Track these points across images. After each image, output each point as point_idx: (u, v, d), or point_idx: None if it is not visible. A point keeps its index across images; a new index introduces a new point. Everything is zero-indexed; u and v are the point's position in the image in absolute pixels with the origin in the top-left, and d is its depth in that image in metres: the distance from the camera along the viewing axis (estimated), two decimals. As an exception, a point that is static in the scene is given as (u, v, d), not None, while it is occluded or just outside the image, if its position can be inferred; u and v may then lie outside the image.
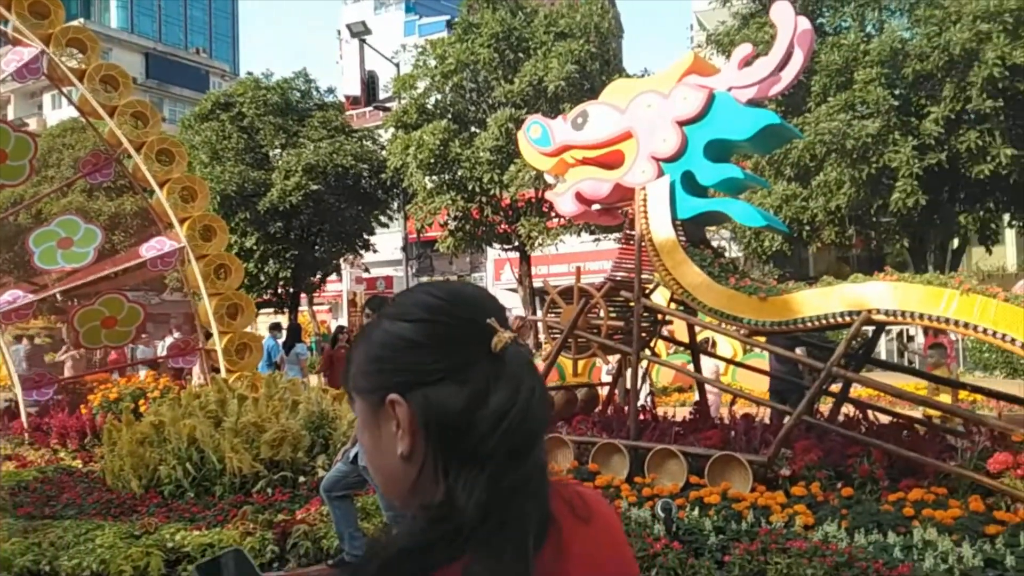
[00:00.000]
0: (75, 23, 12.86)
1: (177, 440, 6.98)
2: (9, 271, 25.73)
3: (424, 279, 34.74)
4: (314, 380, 8.03)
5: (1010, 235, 20.41)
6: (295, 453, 7.14)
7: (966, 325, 5.25)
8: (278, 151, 24.57)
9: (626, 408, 7.07)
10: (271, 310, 27.57)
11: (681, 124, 6.28)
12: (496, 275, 33.23)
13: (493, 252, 28.34)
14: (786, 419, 5.95)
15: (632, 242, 6.73)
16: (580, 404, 7.83)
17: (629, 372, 6.93)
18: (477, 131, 20.24)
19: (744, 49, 6.37)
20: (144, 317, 11.45)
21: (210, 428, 7.03)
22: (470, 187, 19.64)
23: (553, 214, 20.10)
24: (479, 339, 0.90)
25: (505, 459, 0.86)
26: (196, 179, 11.60)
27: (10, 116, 41.17)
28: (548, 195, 7.43)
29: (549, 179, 7.37)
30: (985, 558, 4.41)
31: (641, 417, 6.83)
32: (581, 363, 11.58)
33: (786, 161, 15.70)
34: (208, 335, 11.01)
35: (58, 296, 11.75)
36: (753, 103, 6.30)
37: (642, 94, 6.51)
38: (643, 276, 6.67)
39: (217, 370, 10.78)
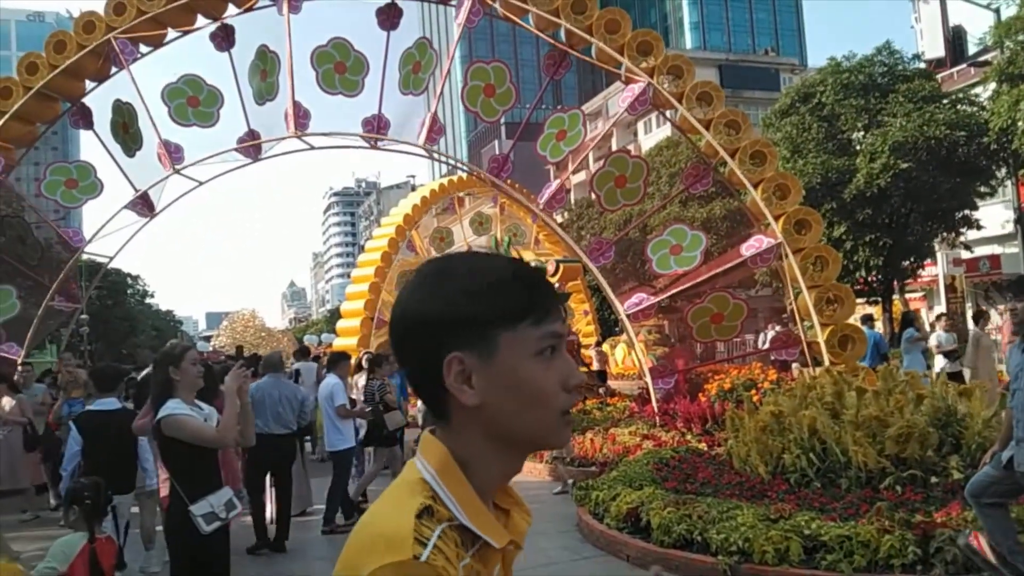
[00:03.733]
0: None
1: (798, 430, 7.16)
2: (625, 278, 30.07)
3: (1044, 255, 29.10)
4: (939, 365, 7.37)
5: None
6: (923, 451, 6.67)
7: None
8: (860, 134, 23.53)
9: None
10: (862, 300, 26.47)
11: None
12: None
13: None
14: None
15: None
16: None
17: None
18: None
19: None
20: (747, 313, 12.12)
21: (829, 420, 7.04)
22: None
23: None
24: None
25: None
26: (788, 175, 11.85)
27: (613, 147, 48.20)
28: None
29: None
30: None
31: None
32: None
33: None
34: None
35: (667, 298, 13.22)
36: None
37: None
38: None
39: (818, 362, 10.78)
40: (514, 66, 15.11)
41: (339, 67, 12.20)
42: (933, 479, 6.58)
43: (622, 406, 14.03)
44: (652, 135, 47.13)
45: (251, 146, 12.53)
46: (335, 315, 36.65)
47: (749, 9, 73.39)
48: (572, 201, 41.31)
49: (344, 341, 17.87)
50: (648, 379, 12.36)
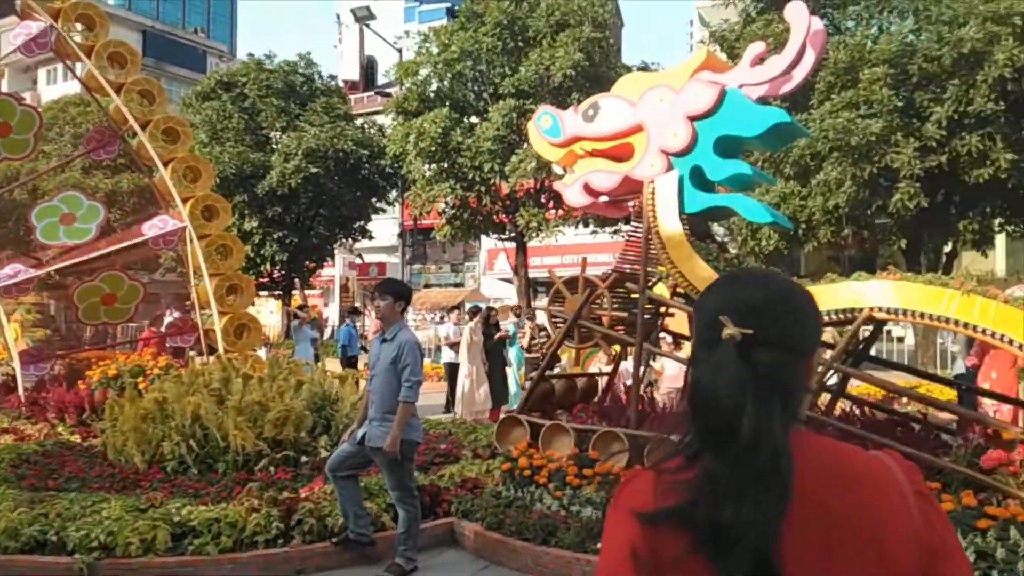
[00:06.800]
0: (79, -1, 12.81)
1: (181, 417, 7.04)
2: (2, 246, 25.62)
3: (417, 266, 34.78)
4: (332, 365, 8.13)
5: (1000, 240, 20.61)
6: (298, 433, 7.22)
7: (966, 325, 5.35)
8: (279, 133, 24.57)
9: (626, 397, 7.17)
10: (265, 292, 27.62)
11: (692, 119, 6.34)
12: (489, 264, 33.33)
13: (488, 241, 28.41)
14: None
15: (639, 235, 6.81)
16: (579, 393, 7.92)
17: (629, 362, 7.04)
18: (478, 120, 20.27)
19: (757, 47, 6.43)
20: (143, 295, 11.48)
21: (214, 406, 7.10)
22: (470, 176, 19.69)
23: (551, 205, 20.19)
24: None
25: None
26: (201, 159, 11.63)
27: (4, 89, 40.81)
28: (556, 186, 7.49)
29: (557, 170, 7.44)
30: (977, 551, 4.52)
31: (640, 407, 6.93)
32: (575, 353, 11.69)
33: (787, 159, 15.78)
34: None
35: (52, 272, 11.75)
36: (762, 101, 6.38)
37: (654, 88, 6.57)
38: (647, 269, 6.74)
39: (215, 350, 10.83)
40: None
41: None
42: (304, 458, 7.17)
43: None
44: (57, 86, 41.40)
45: None
46: None
47: (184, -18, 70.42)
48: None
49: None
50: (16, 364, 10.72)
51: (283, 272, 26.39)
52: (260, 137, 24.76)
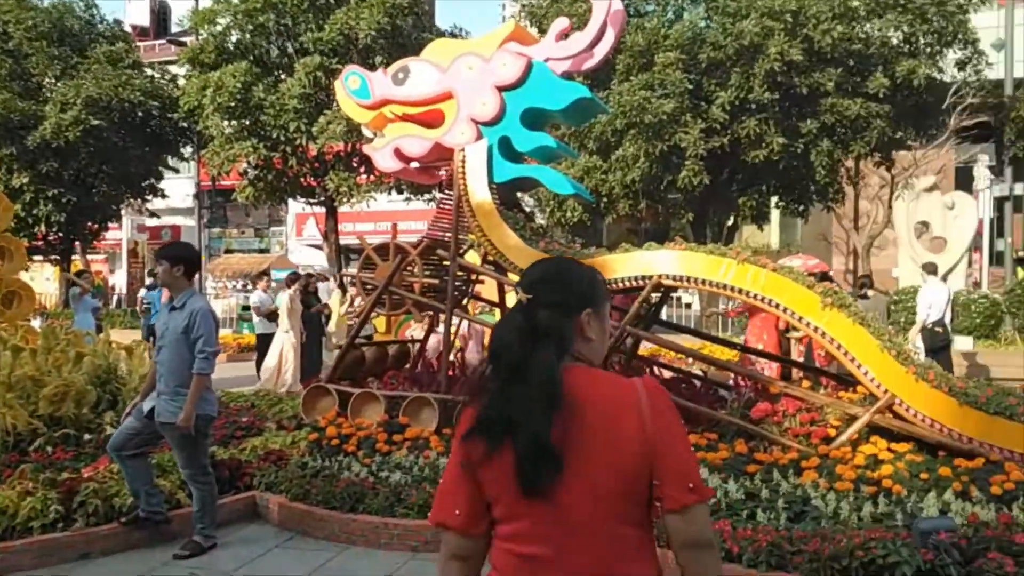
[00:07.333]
0: None
1: (-65, 396, 6.22)
2: None
3: (216, 230, 32.79)
4: (119, 336, 7.47)
5: (775, 216, 22.93)
6: (79, 409, 6.63)
7: (740, 290, 5.93)
8: (53, 80, 22.04)
9: (436, 363, 7.26)
10: (40, 257, 24.90)
11: (500, 89, 6.45)
12: (298, 230, 32.15)
13: (296, 205, 27.38)
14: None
15: (449, 202, 6.85)
16: (391, 360, 7.90)
17: (440, 328, 7.13)
18: (283, 77, 19.33)
19: (562, 22, 6.63)
20: None
21: (-23, 382, 6.34)
22: (274, 135, 18.79)
23: (363, 170, 19.76)
24: None
25: None
26: (-46, 103, 10.17)
27: None
28: (366, 149, 7.34)
29: (367, 133, 7.30)
30: (746, 492, 5.07)
31: (450, 372, 7.04)
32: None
33: (590, 135, 16.51)
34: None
35: None
36: (566, 76, 6.61)
37: (464, 55, 6.59)
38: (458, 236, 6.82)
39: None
40: None
41: None
42: (87, 436, 6.60)
43: None
44: None
45: None
46: None
47: None
48: None
49: None
50: None
51: (60, 235, 23.87)
52: (31, 84, 22.07)
